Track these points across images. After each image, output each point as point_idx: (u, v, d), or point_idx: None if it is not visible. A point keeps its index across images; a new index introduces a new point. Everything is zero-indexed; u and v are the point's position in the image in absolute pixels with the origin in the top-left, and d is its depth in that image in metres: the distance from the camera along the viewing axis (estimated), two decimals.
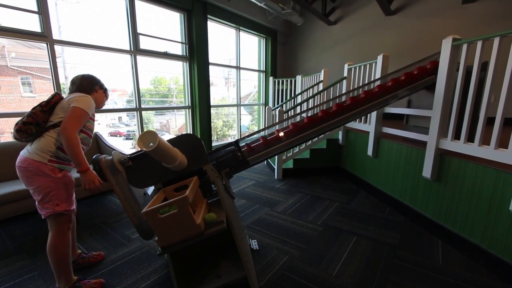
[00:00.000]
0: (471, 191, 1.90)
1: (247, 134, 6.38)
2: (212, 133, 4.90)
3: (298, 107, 3.91)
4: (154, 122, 5.73)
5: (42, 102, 1.45)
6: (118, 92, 4.91)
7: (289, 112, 3.77)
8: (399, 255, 1.92)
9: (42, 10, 2.72)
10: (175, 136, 1.42)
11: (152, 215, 1.10)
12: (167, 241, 1.15)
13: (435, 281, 1.66)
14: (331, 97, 3.67)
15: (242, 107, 6.00)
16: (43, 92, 3.69)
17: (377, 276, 1.70)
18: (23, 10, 2.64)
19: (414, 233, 2.24)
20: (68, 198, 1.48)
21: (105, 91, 1.68)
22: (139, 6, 3.62)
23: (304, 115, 2.12)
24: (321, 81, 3.91)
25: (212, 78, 4.79)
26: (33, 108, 1.43)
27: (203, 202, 1.42)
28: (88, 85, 1.58)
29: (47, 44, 2.81)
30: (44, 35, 2.77)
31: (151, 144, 1.14)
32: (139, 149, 1.33)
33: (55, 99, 1.48)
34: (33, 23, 2.74)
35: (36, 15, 2.73)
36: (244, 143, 1.78)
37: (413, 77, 2.07)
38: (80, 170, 1.37)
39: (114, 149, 2.87)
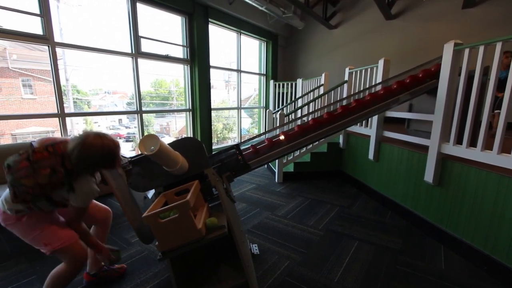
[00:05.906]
0: (474, 196, 1.88)
1: (247, 137, 6.38)
2: (212, 135, 4.90)
3: (299, 110, 3.91)
4: (154, 124, 5.74)
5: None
6: (119, 95, 4.92)
7: (290, 115, 3.76)
8: (401, 260, 1.91)
9: (44, 13, 2.73)
10: (176, 140, 1.41)
11: (153, 220, 1.09)
12: (168, 246, 1.14)
13: (437, 286, 1.64)
14: (332, 101, 3.67)
15: (242, 110, 6.00)
16: (44, 94, 3.69)
17: (379, 281, 1.68)
18: (26, 13, 2.64)
19: (416, 238, 2.22)
20: (54, 233, 1.29)
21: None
22: (141, 9, 3.63)
23: (305, 118, 2.12)
24: (322, 85, 3.91)
25: (212, 81, 4.80)
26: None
27: (204, 206, 1.40)
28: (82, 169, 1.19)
29: (48, 46, 2.81)
30: (46, 38, 2.77)
31: (152, 148, 1.13)
32: (140, 153, 1.33)
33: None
34: (34, 26, 2.74)
35: (38, 18, 2.73)
36: (245, 146, 1.77)
37: (418, 80, 2.07)
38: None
39: None
